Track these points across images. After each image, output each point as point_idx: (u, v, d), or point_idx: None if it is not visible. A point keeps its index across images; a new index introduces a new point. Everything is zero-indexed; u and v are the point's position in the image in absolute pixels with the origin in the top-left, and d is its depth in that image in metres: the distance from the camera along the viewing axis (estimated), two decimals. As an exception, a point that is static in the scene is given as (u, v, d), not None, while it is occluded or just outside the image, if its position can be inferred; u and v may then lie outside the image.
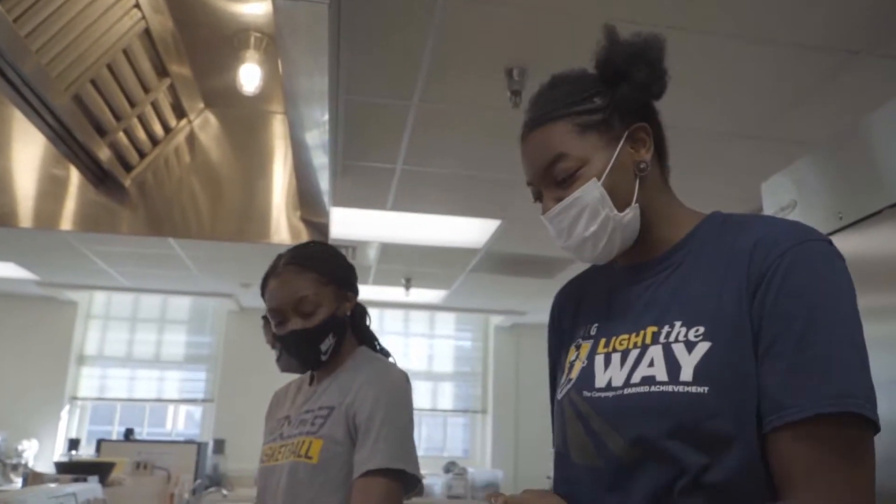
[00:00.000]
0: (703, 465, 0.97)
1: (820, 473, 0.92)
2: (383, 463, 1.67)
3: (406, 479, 1.71)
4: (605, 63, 1.18)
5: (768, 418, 0.96)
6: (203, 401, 8.68)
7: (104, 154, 3.68)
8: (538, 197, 1.22)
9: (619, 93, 1.16)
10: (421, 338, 9.35)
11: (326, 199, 4.11)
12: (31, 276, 7.30)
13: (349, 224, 5.33)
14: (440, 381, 9.09)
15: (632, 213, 1.15)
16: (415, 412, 1.87)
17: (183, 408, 8.80)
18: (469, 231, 5.55)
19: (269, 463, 1.88)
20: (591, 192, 1.13)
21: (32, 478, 3.76)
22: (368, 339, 2.04)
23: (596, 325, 1.23)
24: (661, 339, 1.07)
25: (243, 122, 4.39)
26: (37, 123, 3.25)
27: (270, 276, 1.91)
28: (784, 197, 2.52)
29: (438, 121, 3.66)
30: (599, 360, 1.15)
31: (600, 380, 1.12)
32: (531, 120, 1.21)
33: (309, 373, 2.03)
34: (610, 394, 1.09)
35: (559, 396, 1.21)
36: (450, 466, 8.22)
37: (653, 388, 1.03)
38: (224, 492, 4.84)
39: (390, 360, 1.99)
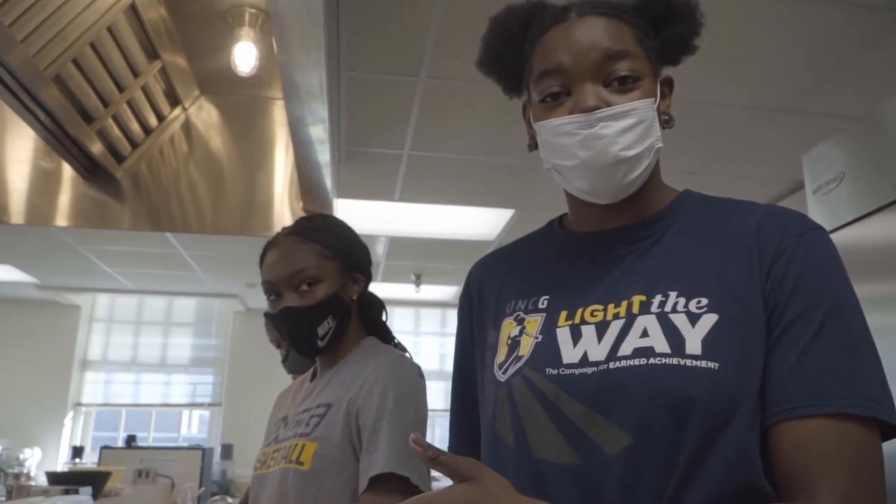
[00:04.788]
0: (702, 454, 0.83)
1: (840, 472, 0.81)
2: (387, 467, 1.42)
3: (413, 492, 1.44)
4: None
5: (782, 406, 0.85)
6: (210, 405, 8.49)
7: (93, 143, 3.47)
8: (555, 93, 1.00)
9: (669, 31, 1.04)
10: (432, 336, 9.14)
11: (330, 191, 3.91)
12: (31, 279, 7.16)
13: (355, 217, 5.09)
14: (453, 381, 8.85)
15: (658, 156, 1.02)
16: (427, 413, 1.60)
17: (196, 412, 8.62)
18: (481, 222, 5.34)
19: (261, 471, 1.65)
20: (649, 109, 0.98)
21: (17, 490, 3.53)
22: (381, 333, 1.79)
23: (546, 297, 1.05)
24: (654, 309, 0.92)
25: (242, 109, 4.22)
26: (17, 110, 3.04)
27: (269, 248, 1.69)
28: (830, 169, 2.33)
29: (448, 99, 3.43)
30: (563, 333, 0.97)
31: (569, 355, 0.94)
32: (583, 4, 1.03)
33: (312, 369, 1.79)
34: (588, 370, 0.91)
35: (502, 377, 1.00)
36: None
37: (652, 361, 0.87)
38: (229, 500, 4.62)
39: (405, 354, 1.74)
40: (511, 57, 1.08)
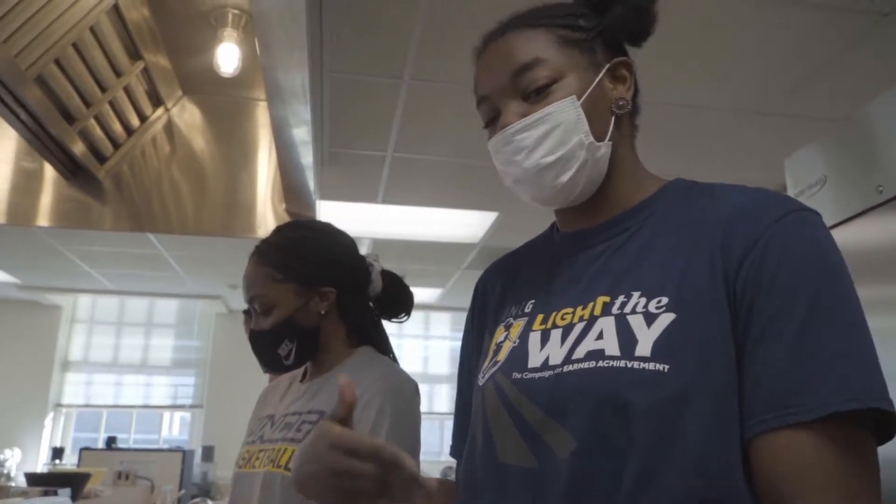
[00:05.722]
0: (652, 462, 0.80)
1: (831, 480, 0.76)
2: None
3: None
4: None
5: (767, 415, 0.79)
6: (192, 406, 8.45)
7: (75, 144, 3.45)
8: (491, 118, 1.05)
9: (610, 15, 1.03)
10: (415, 339, 9.11)
11: (313, 193, 3.90)
12: (12, 279, 7.10)
13: (338, 219, 5.02)
14: (436, 384, 8.81)
15: (605, 149, 1.00)
16: (420, 431, 1.62)
17: (177, 414, 8.58)
18: (464, 225, 5.34)
19: (244, 469, 1.64)
20: (567, 109, 0.97)
21: (-4, 491, 3.52)
22: (376, 343, 1.75)
23: (532, 301, 1.05)
24: (614, 311, 0.90)
25: (224, 110, 4.19)
26: (-1, 110, 3.02)
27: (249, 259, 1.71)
28: (812, 173, 2.34)
29: (432, 101, 3.43)
30: (534, 337, 0.98)
31: (535, 359, 0.95)
32: (501, 26, 1.05)
33: (303, 368, 1.77)
34: (546, 373, 0.91)
35: (481, 381, 1.02)
36: (447, 472, 7.98)
37: (600, 363, 0.86)
38: (210, 502, 4.60)
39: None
40: None
